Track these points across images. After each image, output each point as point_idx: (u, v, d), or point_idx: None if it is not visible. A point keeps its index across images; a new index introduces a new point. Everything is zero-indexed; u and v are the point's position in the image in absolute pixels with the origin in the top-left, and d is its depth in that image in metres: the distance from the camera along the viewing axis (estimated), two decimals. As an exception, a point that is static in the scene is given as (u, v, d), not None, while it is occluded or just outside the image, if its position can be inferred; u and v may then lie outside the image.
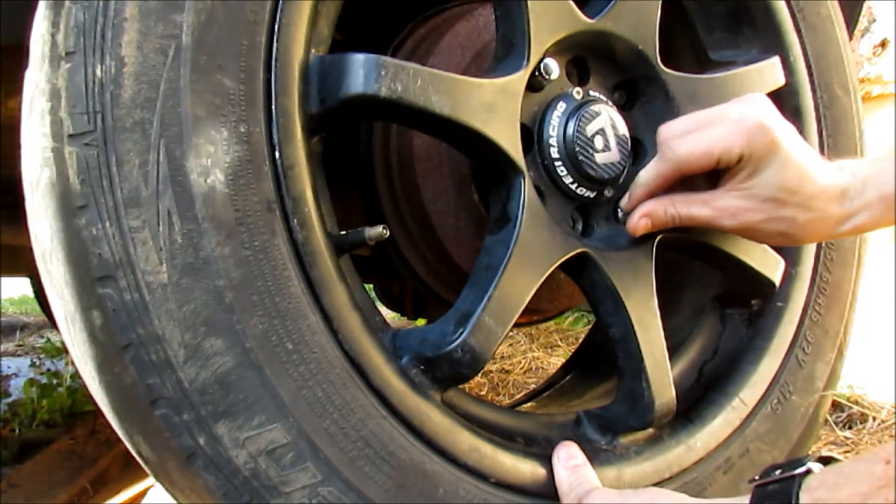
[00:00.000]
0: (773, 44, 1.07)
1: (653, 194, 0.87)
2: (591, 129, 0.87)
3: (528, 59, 0.83)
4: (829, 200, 0.78)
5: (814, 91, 1.10)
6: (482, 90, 0.79)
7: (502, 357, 2.53)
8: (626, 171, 0.91)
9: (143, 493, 1.48)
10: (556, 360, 2.49)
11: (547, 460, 0.81)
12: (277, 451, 0.65)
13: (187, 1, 0.64)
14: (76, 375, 2.16)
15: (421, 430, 0.73)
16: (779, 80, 1.05)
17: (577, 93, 0.89)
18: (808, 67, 1.10)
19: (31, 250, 0.67)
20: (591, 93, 0.91)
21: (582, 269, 0.87)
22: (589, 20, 0.88)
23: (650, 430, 0.92)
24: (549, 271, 0.82)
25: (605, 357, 1.16)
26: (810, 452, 1.07)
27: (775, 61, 1.06)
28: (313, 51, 0.74)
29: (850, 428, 1.68)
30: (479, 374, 1.17)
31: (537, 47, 0.83)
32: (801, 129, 1.07)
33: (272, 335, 0.65)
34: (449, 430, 0.75)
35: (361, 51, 0.72)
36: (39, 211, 0.64)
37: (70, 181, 0.61)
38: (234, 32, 0.66)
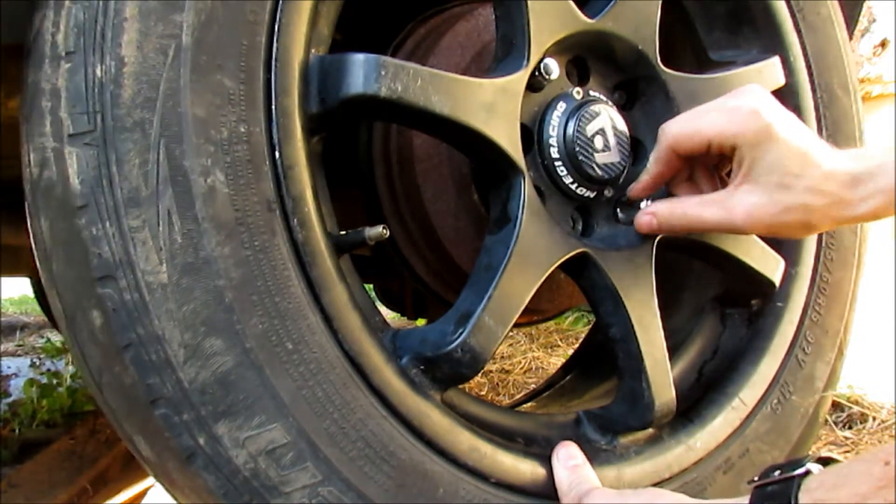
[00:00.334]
0: (773, 44, 1.07)
1: (655, 181, 0.86)
2: (591, 129, 0.87)
3: (528, 59, 0.83)
4: (841, 184, 0.76)
5: (814, 91, 1.10)
6: (482, 90, 0.79)
7: (502, 357, 2.53)
8: (626, 171, 0.91)
9: (144, 493, 1.48)
10: (556, 360, 2.49)
11: (547, 460, 0.81)
12: (277, 450, 0.65)
13: (187, 1, 0.64)
14: (76, 375, 2.16)
15: (421, 430, 0.73)
16: (779, 80, 1.05)
17: (577, 93, 0.89)
18: (808, 67, 1.10)
19: (31, 250, 0.67)
20: (592, 93, 0.91)
21: (582, 269, 0.87)
22: (589, 20, 0.88)
23: (650, 430, 0.92)
24: (549, 271, 0.82)
25: (605, 357, 1.16)
26: (810, 453, 1.07)
27: (775, 61, 1.06)
28: (313, 51, 0.74)
29: (850, 428, 1.68)
30: (479, 374, 1.17)
31: (537, 47, 0.83)
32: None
33: (272, 335, 0.65)
34: (449, 430, 0.75)
35: (361, 51, 0.72)
36: (39, 211, 0.64)
37: (70, 181, 0.61)
38: (234, 32, 0.66)
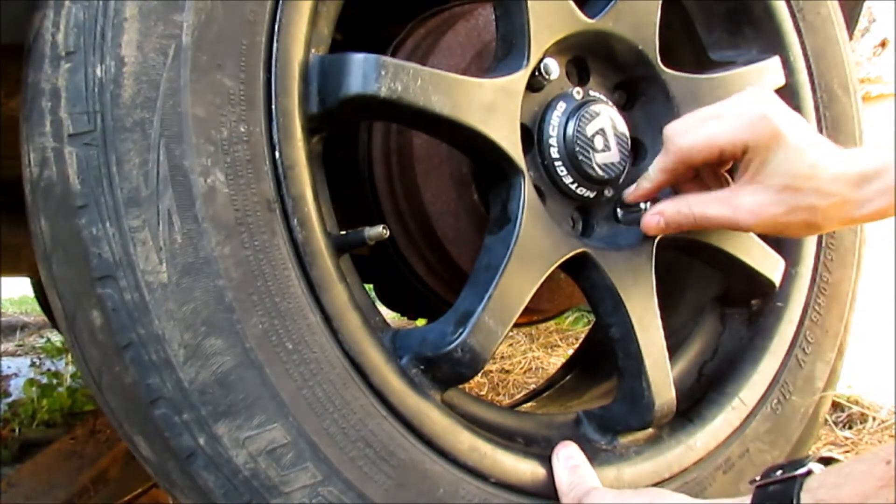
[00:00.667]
0: (773, 44, 1.07)
1: (659, 188, 0.86)
2: (591, 129, 0.87)
3: (528, 59, 0.83)
4: (847, 184, 0.76)
5: (814, 91, 1.11)
6: (482, 90, 0.79)
7: (502, 357, 2.53)
8: (626, 171, 0.91)
9: (144, 493, 1.48)
10: (556, 360, 2.49)
11: (547, 460, 0.81)
12: (277, 450, 0.65)
13: (187, 1, 0.64)
14: (76, 375, 2.16)
15: (421, 429, 0.73)
16: (779, 79, 1.05)
17: (577, 93, 0.89)
18: (808, 67, 1.10)
19: (31, 250, 0.67)
20: (591, 93, 0.91)
21: (582, 268, 0.87)
22: (589, 20, 0.88)
23: (650, 430, 0.92)
24: (549, 271, 0.82)
25: (605, 357, 1.16)
26: (811, 452, 1.07)
27: (775, 61, 1.06)
28: (313, 51, 0.74)
29: (850, 428, 1.68)
30: (479, 374, 1.17)
31: (537, 47, 0.83)
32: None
33: (272, 335, 0.65)
34: (449, 429, 0.75)
35: (361, 51, 0.72)
36: (39, 211, 0.64)
37: (70, 181, 0.61)
38: (234, 32, 0.66)
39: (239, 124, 0.66)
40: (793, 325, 1.05)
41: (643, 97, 0.97)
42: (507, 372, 2.39)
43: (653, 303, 0.89)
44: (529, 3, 0.82)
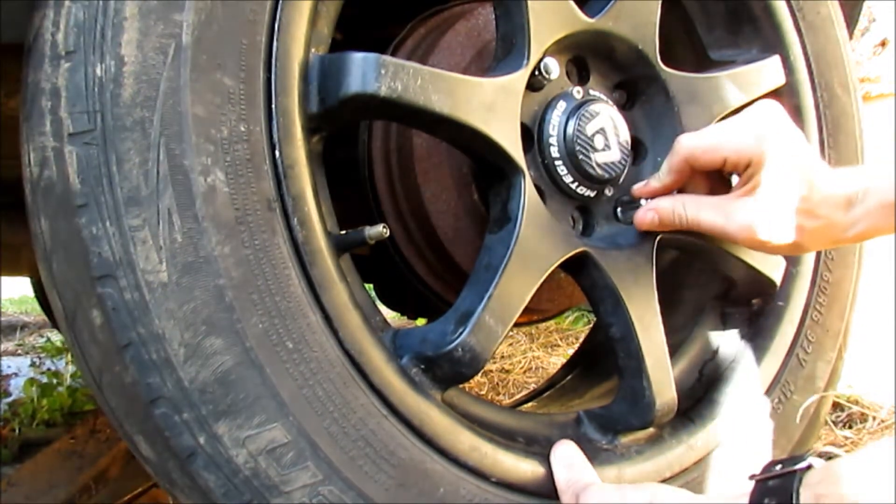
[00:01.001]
0: (774, 43, 1.07)
1: (667, 189, 0.87)
2: (591, 128, 0.87)
3: (528, 59, 0.83)
4: (835, 207, 0.78)
5: (814, 90, 1.11)
6: (482, 89, 0.78)
7: (502, 356, 2.53)
8: (626, 171, 0.91)
9: (144, 493, 1.48)
10: (556, 360, 2.49)
11: (547, 459, 0.81)
12: (278, 450, 0.65)
13: (187, 0, 0.64)
14: (76, 375, 2.16)
15: (421, 429, 0.73)
16: (779, 79, 1.05)
17: (578, 92, 0.89)
18: (809, 66, 1.10)
19: (31, 250, 0.67)
20: (592, 92, 0.91)
21: (582, 268, 0.87)
22: (589, 19, 0.88)
23: (651, 430, 0.92)
24: (550, 271, 0.82)
25: (606, 356, 1.16)
26: (811, 449, 1.07)
27: (775, 60, 1.06)
28: (313, 50, 0.74)
29: (850, 427, 1.68)
30: (479, 374, 1.17)
31: (537, 46, 0.83)
32: (802, 128, 1.07)
33: (272, 334, 0.65)
34: (449, 429, 0.75)
35: (361, 50, 0.72)
36: (40, 210, 0.64)
37: (70, 180, 0.61)
38: (233, 31, 0.66)
39: (239, 123, 0.66)
40: (794, 324, 1.05)
41: (643, 96, 0.97)
42: (508, 371, 2.39)
43: (653, 302, 0.89)
44: (529, 2, 0.82)
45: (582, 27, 0.88)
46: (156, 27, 0.63)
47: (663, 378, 0.88)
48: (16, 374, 2.59)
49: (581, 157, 0.86)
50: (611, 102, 0.91)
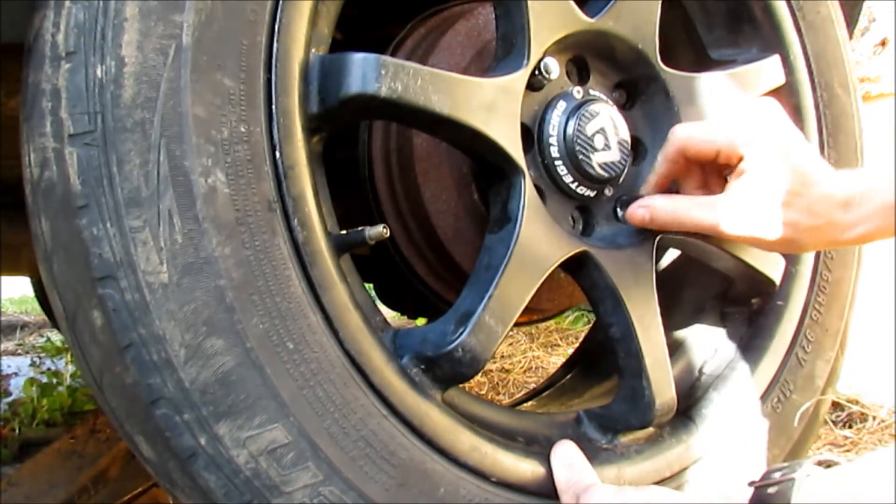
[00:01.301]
0: (773, 42, 1.07)
1: (661, 177, 0.87)
2: (591, 128, 0.87)
3: (528, 59, 0.83)
4: (835, 207, 0.77)
5: (814, 89, 1.11)
6: (482, 90, 0.79)
7: (502, 356, 2.53)
8: (626, 171, 0.91)
9: (144, 493, 1.48)
10: (556, 360, 2.49)
11: (547, 459, 0.81)
12: (278, 450, 0.65)
13: (187, 1, 0.64)
14: (76, 374, 2.16)
15: (421, 429, 0.73)
16: (779, 78, 1.05)
17: (578, 92, 0.89)
18: (808, 66, 1.10)
19: (31, 249, 0.67)
20: (592, 92, 0.91)
21: (582, 268, 0.87)
22: (589, 19, 0.88)
23: (651, 429, 0.92)
24: (550, 270, 0.82)
25: (606, 356, 1.16)
26: (811, 453, 1.07)
27: (775, 60, 1.06)
28: (313, 50, 0.74)
29: (849, 427, 1.68)
30: (479, 373, 1.17)
31: (537, 46, 0.83)
32: (802, 128, 1.07)
33: (273, 335, 0.65)
34: (449, 429, 0.75)
35: (361, 50, 0.72)
36: (40, 211, 0.64)
37: (71, 181, 0.61)
38: (234, 32, 0.66)
39: (239, 124, 0.66)
40: (793, 323, 1.05)
41: (643, 96, 0.97)
42: (507, 371, 2.39)
43: (653, 302, 0.89)
44: (529, 2, 0.82)
45: (582, 27, 0.88)
46: (156, 28, 0.63)
47: (663, 378, 0.88)
48: (16, 374, 2.59)
49: (581, 156, 0.86)
50: (611, 102, 0.91)
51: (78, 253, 0.62)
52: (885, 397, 1.74)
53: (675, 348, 1.05)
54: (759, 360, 1.02)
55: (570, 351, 2.25)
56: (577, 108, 0.87)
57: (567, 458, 0.81)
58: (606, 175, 0.88)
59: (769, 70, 1.05)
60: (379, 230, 0.77)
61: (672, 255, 1.16)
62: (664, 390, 0.88)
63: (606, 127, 0.88)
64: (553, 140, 0.86)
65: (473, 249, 0.95)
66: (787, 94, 1.07)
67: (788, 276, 1.05)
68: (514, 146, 0.81)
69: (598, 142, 0.87)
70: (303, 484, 0.66)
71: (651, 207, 0.86)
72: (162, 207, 0.62)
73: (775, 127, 0.80)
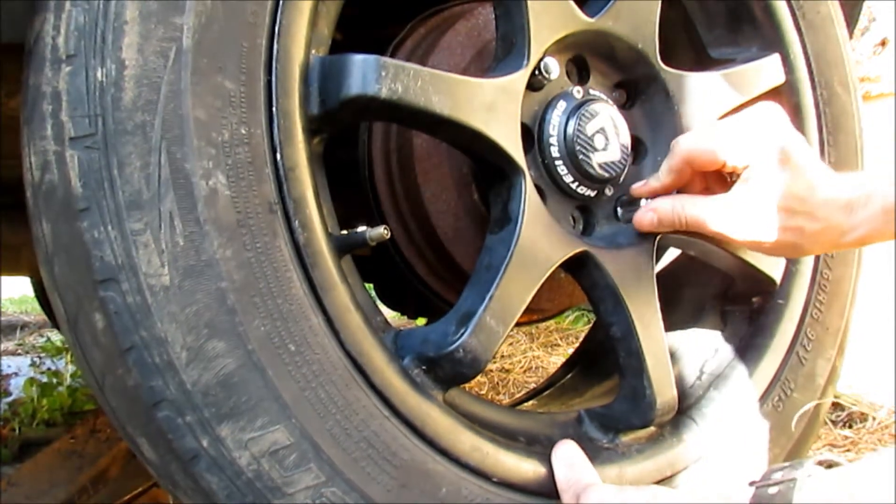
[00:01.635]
0: (773, 42, 1.07)
1: (665, 188, 0.87)
2: (591, 128, 0.87)
3: (528, 59, 0.82)
4: (836, 210, 0.78)
5: (814, 89, 1.11)
6: (482, 90, 0.78)
7: (502, 356, 2.53)
8: (626, 170, 0.91)
9: (144, 493, 1.48)
10: (557, 359, 2.49)
11: (548, 459, 0.81)
12: (280, 452, 0.65)
13: (187, 3, 0.64)
14: (76, 374, 2.16)
15: (423, 430, 0.73)
16: (779, 77, 1.05)
17: (578, 92, 0.89)
18: (808, 65, 1.10)
19: (31, 250, 0.67)
20: (592, 92, 0.91)
21: (582, 267, 0.87)
22: (589, 19, 0.88)
23: (652, 429, 0.92)
24: (551, 270, 0.82)
25: (606, 356, 1.16)
26: (811, 453, 1.07)
27: (775, 59, 1.06)
28: (314, 52, 0.74)
29: (849, 427, 1.68)
30: (480, 373, 1.17)
31: (537, 46, 0.83)
32: (802, 127, 1.07)
33: (274, 337, 0.65)
34: (451, 429, 0.75)
35: (361, 51, 0.72)
36: (41, 214, 0.64)
37: (72, 184, 0.61)
38: (234, 34, 0.66)
39: (240, 126, 0.66)
40: (794, 322, 1.06)
41: (643, 96, 0.97)
42: (508, 371, 2.39)
43: (654, 301, 0.89)
44: (529, 2, 0.82)
45: (582, 27, 0.88)
46: (156, 31, 0.63)
47: (664, 377, 0.88)
48: (16, 374, 2.59)
49: (581, 156, 0.86)
50: (611, 102, 0.91)
51: (79, 256, 0.62)
52: (885, 397, 1.74)
53: (676, 347, 1.05)
54: (760, 359, 1.02)
55: (571, 351, 2.25)
56: (578, 108, 0.87)
57: (568, 458, 0.81)
58: (606, 175, 0.88)
59: (769, 69, 1.05)
60: (380, 231, 0.77)
61: (672, 254, 1.16)
62: (665, 390, 0.88)
63: (606, 127, 0.88)
64: (553, 140, 0.86)
65: (474, 250, 0.95)
66: (787, 93, 1.07)
67: (789, 274, 1.05)
68: (514, 146, 0.81)
69: (599, 141, 0.87)
70: (305, 485, 0.66)
71: (658, 210, 0.86)
72: (163, 210, 0.62)
73: (777, 132, 0.81)
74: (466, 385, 1.19)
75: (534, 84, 0.85)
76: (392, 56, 1.01)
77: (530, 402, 1.25)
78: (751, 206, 0.80)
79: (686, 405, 0.98)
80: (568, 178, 0.87)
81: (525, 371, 2.40)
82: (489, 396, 2.14)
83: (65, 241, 0.63)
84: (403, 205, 0.98)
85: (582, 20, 0.88)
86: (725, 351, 1.05)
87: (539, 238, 0.81)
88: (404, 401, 0.73)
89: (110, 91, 0.61)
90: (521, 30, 0.83)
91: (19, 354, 3.30)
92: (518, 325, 0.94)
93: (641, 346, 0.87)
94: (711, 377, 1.03)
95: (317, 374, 0.67)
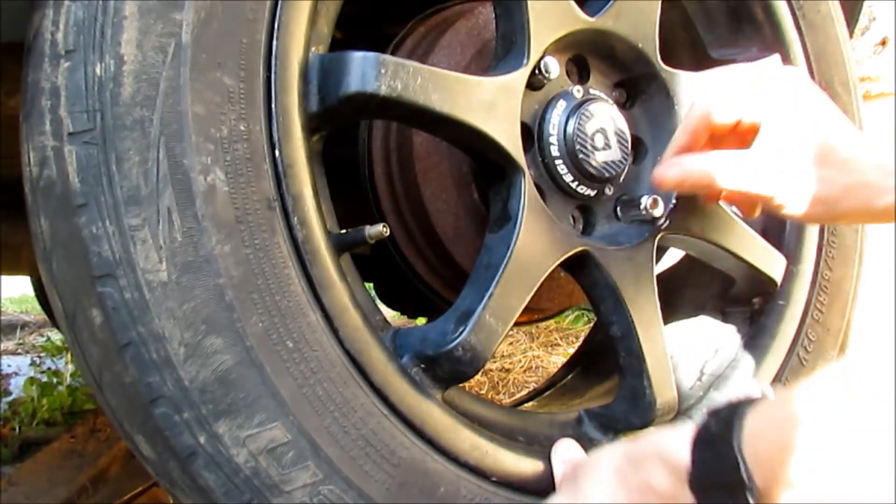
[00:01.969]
0: (774, 41, 1.07)
1: (681, 150, 0.84)
2: (591, 127, 0.87)
3: (528, 58, 0.82)
4: (870, 168, 0.74)
5: (814, 89, 1.10)
6: (482, 88, 0.78)
7: (502, 355, 2.53)
8: (626, 170, 0.91)
9: (144, 492, 1.48)
10: (556, 359, 2.49)
11: (548, 458, 0.81)
12: (278, 449, 0.65)
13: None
14: (76, 374, 2.16)
15: (422, 428, 0.73)
16: (779, 77, 1.05)
17: (578, 91, 0.89)
18: (809, 65, 1.10)
19: (31, 249, 0.67)
20: (592, 91, 0.91)
21: (582, 267, 0.87)
22: (589, 18, 0.88)
23: (652, 429, 0.92)
24: (550, 270, 0.82)
25: (606, 356, 1.16)
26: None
27: (775, 59, 1.06)
28: (313, 49, 0.74)
29: (850, 426, 1.67)
30: (479, 373, 1.17)
31: (537, 46, 0.83)
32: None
33: (272, 333, 0.65)
34: (450, 428, 0.75)
35: (361, 49, 0.72)
36: (39, 210, 0.64)
37: (70, 180, 0.61)
38: (233, 30, 0.66)
39: (239, 122, 0.66)
40: (794, 323, 1.05)
41: (643, 95, 0.97)
42: (508, 370, 2.39)
43: (654, 301, 0.89)
44: (529, 1, 0.82)
45: (582, 26, 0.88)
46: (155, 26, 0.63)
47: (664, 377, 0.88)
48: (16, 374, 2.59)
49: (581, 156, 0.86)
50: (611, 101, 0.91)
51: (77, 251, 0.62)
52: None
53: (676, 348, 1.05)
54: (761, 360, 1.02)
55: (571, 350, 2.25)
56: (578, 108, 0.87)
57: (567, 457, 0.81)
58: (606, 174, 0.88)
59: (770, 69, 1.05)
60: (379, 229, 0.77)
61: (672, 254, 1.16)
62: (665, 390, 0.88)
63: (606, 126, 0.88)
64: (553, 139, 0.86)
65: (473, 248, 0.95)
66: (787, 93, 1.07)
67: (790, 275, 1.05)
68: (514, 145, 0.81)
69: (599, 141, 0.87)
70: (302, 483, 0.66)
71: (682, 164, 0.81)
72: (161, 206, 0.62)
73: (798, 87, 0.78)
74: (466, 384, 1.20)
75: (534, 83, 0.85)
76: (393, 55, 1.01)
77: (531, 403, 1.25)
78: (780, 158, 0.76)
79: (686, 406, 0.98)
80: (568, 178, 0.87)
81: (525, 370, 2.40)
82: (489, 396, 2.14)
83: (63, 237, 0.63)
84: (403, 204, 0.98)
85: (582, 19, 0.88)
86: (726, 351, 1.05)
87: (539, 237, 0.81)
88: (403, 399, 0.73)
89: (109, 86, 0.61)
90: (521, 29, 0.83)
91: (19, 354, 3.31)
92: (518, 324, 0.93)
93: (641, 346, 0.86)
94: (712, 378, 1.03)
95: (315, 372, 0.67)
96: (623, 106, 0.97)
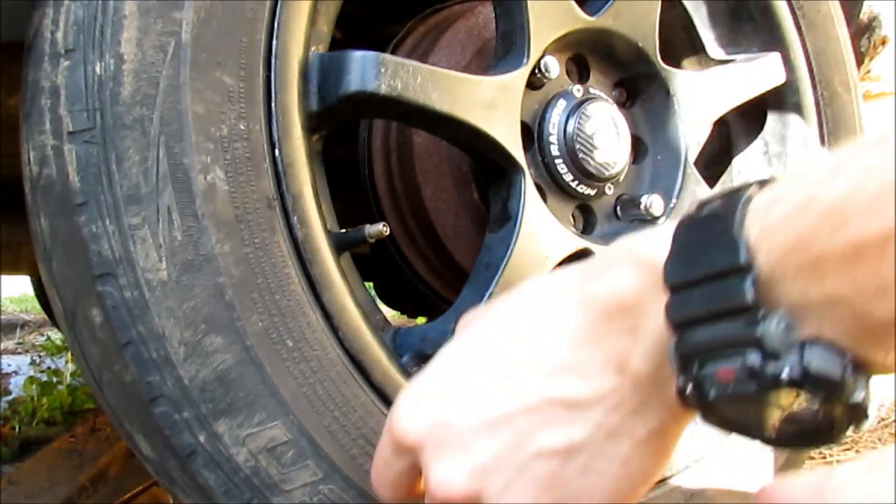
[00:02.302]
0: (774, 41, 1.07)
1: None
2: (591, 126, 0.87)
3: (528, 57, 0.82)
4: None
5: (814, 88, 1.10)
6: (482, 88, 0.78)
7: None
8: (626, 169, 0.91)
9: (144, 492, 1.48)
10: (557, 359, 2.48)
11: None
12: (278, 448, 0.65)
13: (187, -2, 0.64)
14: (76, 373, 2.16)
15: (421, 427, 0.73)
16: (779, 76, 1.05)
17: (578, 90, 0.89)
18: (809, 65, 1.10)
19: (31, 248, 0.67)
20: (592, 90, 0.91)
21: (582, 266, 0.87)
22: (589, 18, 0.88)
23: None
24: (550, 269, 0.82)
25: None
26: (812, 452, 1.07)
27: (775, 58, 1.06)
28: (313, 48, 0.74)
29: (849, 426, 1.67)
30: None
31: (537, 45, 0.83)
32: (802, 126, 1.07)
33: (272, 332, 0.65)
34: (449, 427, 0.75)
35: (361, 48, 0.72)
36: (39, 209, 0.64)
37: (69, 179, 0.61)
38: (233, 30, 0.66)
39: (238, 122, 0.66)
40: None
41: (643, 95, 0.97)
42: (508, 370, 2.38)
43: (653, 300, 0.89)
44: (529, 1, 0.82)
45: (582, 25, 0.88)
46: (155, 25, 0.63)
47: (663, 376, 0.88)
48: (16, 373, 2.60)
49: (581, 155, 0.86)
50: (611, 101, 0.91)
51: (77, 250, 0.62)
52: (886, 396, 1.74)
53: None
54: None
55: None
56: (578, 107, 0.87)
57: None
58: (606, 174, 0.88)
59: (770, 68, 1.05)
60: (378, 228, 0.77)
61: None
62: (664, 389, 0.88)
63: (606, 125, 0.88)
64: (553, 138, 0.86)
65: (473, 248, 0.95)
66: (787, 92, 1.07)
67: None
68: (514, 144, 0.81)
69: (598, 140, 0.87)
70: (302, 482, 0.66)
71: None
72: (161, 205, 0.62)
73: None
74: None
75: (534, 83, 0.85)
76: (393, 54, 1.01)
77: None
78: None
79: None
80: (568, 177, 0.87)
81: (525, 371, 2.39)
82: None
83: (62, 236, 0.63)
84: (403, 203, 0.98)
85: (582, 19, 0.88)
86: (725, 350, 1.05)
87: (539, 236, 0.81)
88: (403, 398, 0.72)
89: (109, 85, 0.61)
90: (521, 28, 0.83)
91: (19, 353, 3.31)
92: (517, 323, 0.93)
93: (641, 344, 0.86)
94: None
95: (315, 371, 0.67)
96: (623, 105, 0.97)
